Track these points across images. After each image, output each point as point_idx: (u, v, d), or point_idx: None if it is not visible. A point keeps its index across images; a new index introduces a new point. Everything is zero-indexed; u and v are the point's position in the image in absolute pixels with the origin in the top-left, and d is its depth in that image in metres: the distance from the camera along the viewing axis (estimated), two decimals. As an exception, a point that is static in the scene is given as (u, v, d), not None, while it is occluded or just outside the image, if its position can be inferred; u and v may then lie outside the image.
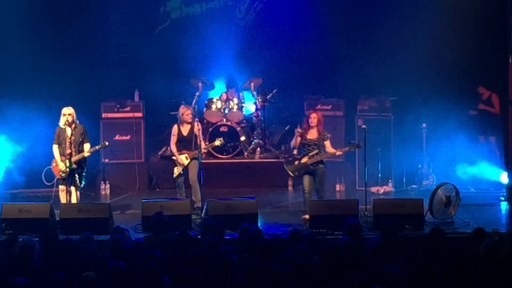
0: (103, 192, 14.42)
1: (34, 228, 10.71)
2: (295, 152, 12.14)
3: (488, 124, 14.40)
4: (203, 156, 12.56)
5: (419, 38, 14.47)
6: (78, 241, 8.86)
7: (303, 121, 12.19)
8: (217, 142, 12.73)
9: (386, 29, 14.69)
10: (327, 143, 11.99)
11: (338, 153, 12.03)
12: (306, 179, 11.97)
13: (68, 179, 11.70)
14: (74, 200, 11.81)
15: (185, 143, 12.47)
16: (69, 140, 11.71)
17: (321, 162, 11.95)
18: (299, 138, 11.99)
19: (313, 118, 11.96)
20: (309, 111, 12.49)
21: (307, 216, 11.59)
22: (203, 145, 12.48)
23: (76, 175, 11.77)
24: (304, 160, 11.90)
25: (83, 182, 11.96)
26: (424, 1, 14.56)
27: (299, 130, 12.00)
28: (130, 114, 14.88)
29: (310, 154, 11.86)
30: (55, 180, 12.25)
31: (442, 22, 14.39)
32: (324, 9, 15.35)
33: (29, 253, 8.24)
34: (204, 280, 7.59)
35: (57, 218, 11.39)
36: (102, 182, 14.51)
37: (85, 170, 11.96)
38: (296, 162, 11.99)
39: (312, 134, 11.97)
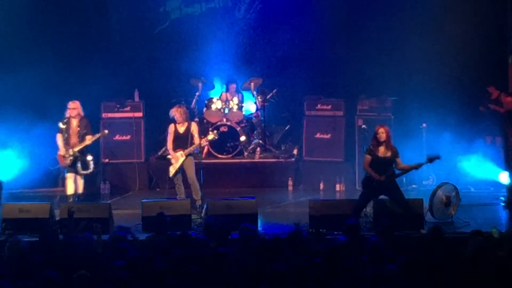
0: (103, 192, 14.41)
1: (34, 228, 10.74)
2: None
3: (496, 124, 14.29)
4: (204, 156, 12.52)
5: (419, 38, 14.48)
6: (78, 241, 8.88)
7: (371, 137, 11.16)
8: (211, 136, 12.69)
9: (386, 29, 14.72)
10: (399, 160, 11.19)
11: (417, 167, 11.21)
12: None
13: (74, 167, 12.43)
14: (79, 187, 12.54)
15: (181, 140, 12.48)
16: (73, 131, 12.49)
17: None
18: (368, 158, 11.05)
19: (381, 133, 11.02)
20: (377, 126, 11.27)
21: None
22: (197, 141, 12.41)
23: (79, 163, 12.42)
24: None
25: (90, 168, 12.56)
26: (424, 2, 14.57)
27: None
28: (130, 114, 14.88)
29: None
30: (59, 166, 12.90)
31: (442, 21, 14.42)
32: (324, 9, 15.36)
33: (17, 254, 8.27)
34: (203, 280, 7.59)
35: (57, 218, 11.40)
36: (102, 182, 14.50)
37: (89, 157, 12.54)
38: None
39: (382, 151, 11.09)
